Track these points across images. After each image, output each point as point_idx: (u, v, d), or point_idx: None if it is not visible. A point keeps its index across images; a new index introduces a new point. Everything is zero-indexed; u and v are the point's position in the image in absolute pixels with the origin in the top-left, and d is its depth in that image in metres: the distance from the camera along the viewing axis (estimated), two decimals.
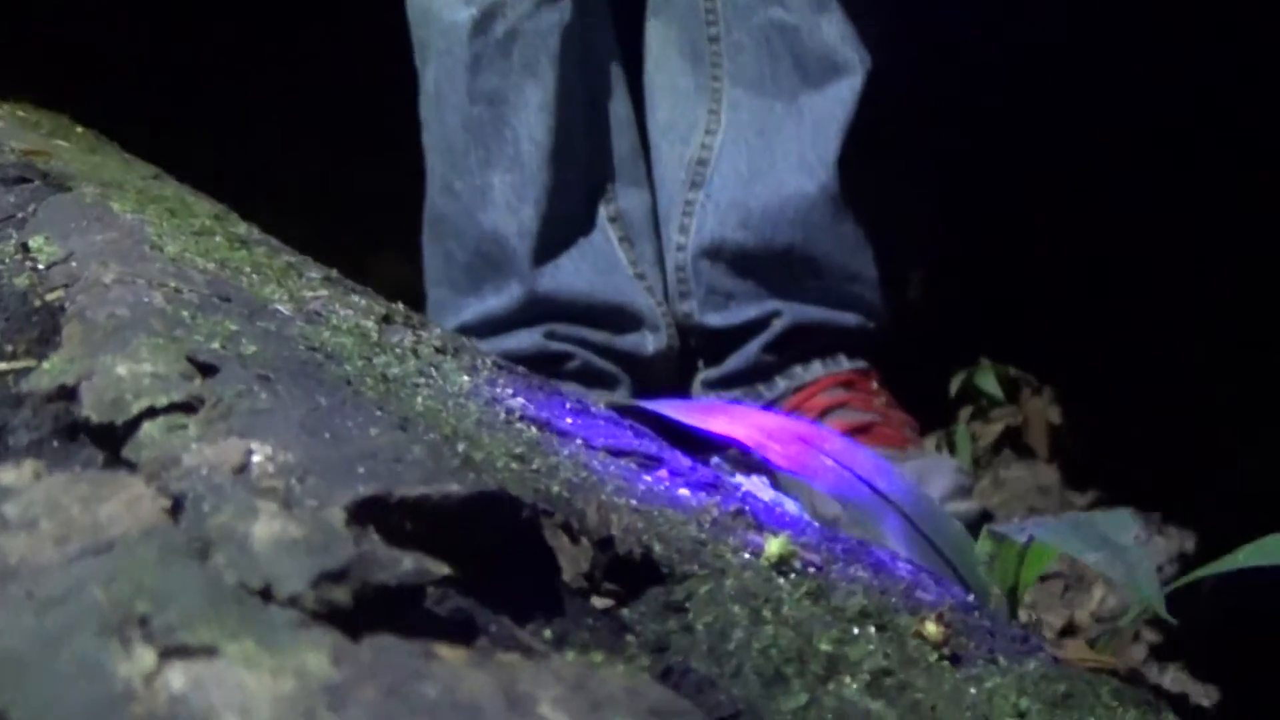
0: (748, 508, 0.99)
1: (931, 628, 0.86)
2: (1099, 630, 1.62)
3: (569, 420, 1.11)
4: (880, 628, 0.86)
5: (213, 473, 0.67)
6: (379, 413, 0.85)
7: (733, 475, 1.17)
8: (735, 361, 1.98)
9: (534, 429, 1.03)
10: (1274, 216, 2.03)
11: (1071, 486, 1.96)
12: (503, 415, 1.03)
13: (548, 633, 0.71)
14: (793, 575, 0.89)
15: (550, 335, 1.95)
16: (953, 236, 2.17)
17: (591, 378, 1.96)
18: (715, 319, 1.97)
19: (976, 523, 1.87)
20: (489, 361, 1.21)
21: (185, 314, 0.91)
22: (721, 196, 1.94)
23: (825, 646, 0.80)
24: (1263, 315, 2.05)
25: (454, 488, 0.69)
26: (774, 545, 0.89)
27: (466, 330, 1.94)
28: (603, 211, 1.98)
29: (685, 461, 1.12)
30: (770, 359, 1.97)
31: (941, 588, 1.00)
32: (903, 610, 0.90)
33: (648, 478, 1.03)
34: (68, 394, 0.77)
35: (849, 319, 1.97)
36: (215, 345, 0.86)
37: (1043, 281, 2.12)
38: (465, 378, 1.11)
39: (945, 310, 2.14)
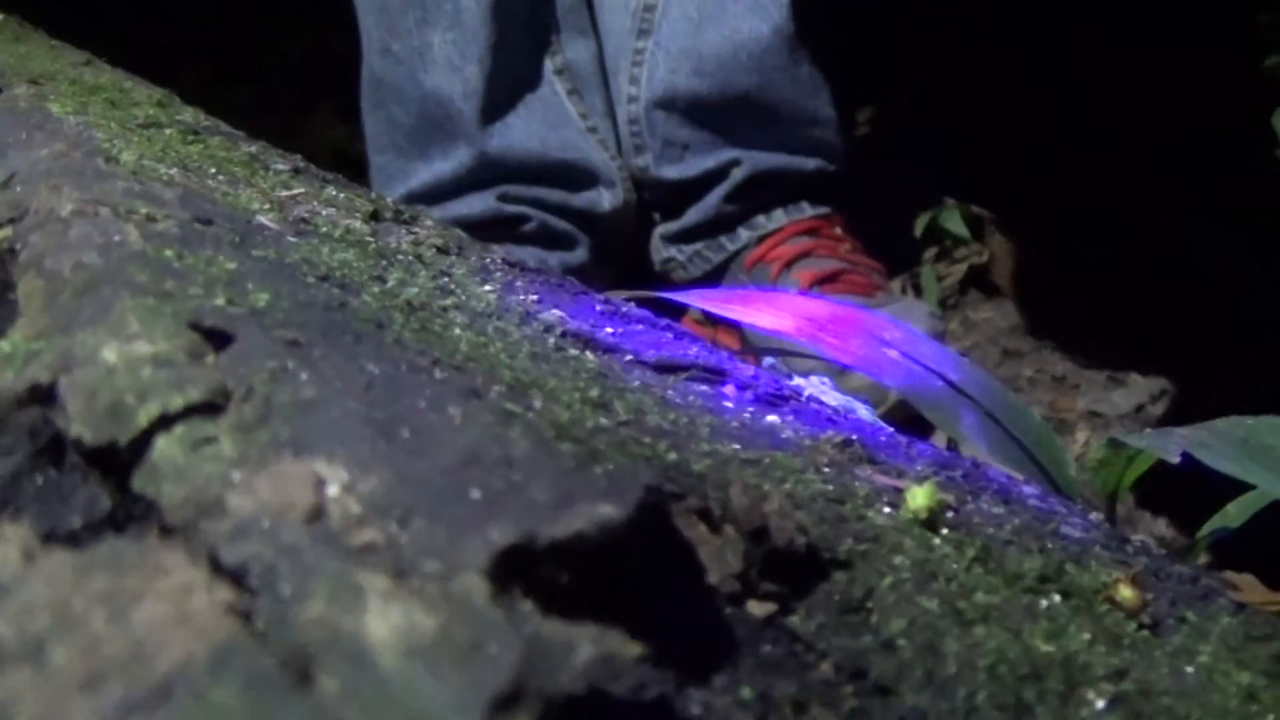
0: (855, 437, 0.76)
1: (1127, 593, 0.65)
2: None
3: (609, 329, 0.88)
4: (1064, 594, 0.65)
5: (278, 524, 0.43)
6: (439, 372, 0.62)
7: (791, 378, 0.94)
8: (695, 214, 1.75)
9: (587, 352, 0.80)
10: (1230, 40, 1.82)
11: (1041, 324, 1.76)
12: (548, 337, 0.80)
13: (746, 692, 0.48)
14: (946, 532, 0.67)
15: (503, 198, 1.70)
16: (913, 75, 1.94)
17: (549, 239, 1.72)
18: (672, 171, 1.74)
19: None
20: (497, 259, 0.97)
21: (169, 254, 0.66)
22: (672, 43, 1.69)
23: (1043, 645, 0.58)
24: (1221, 141, 1.85)
25: (607, 511, 0.46)
26: (920, 497, 0.67)
27: (415, 198, 1.69)
28: (548, 65, 1.72)
29: (746, 369, 0.89)
30: (731, 209, 1.74)
31: (1072, 512, 0.78)
32: (1067, 560, 0.68)
33: (729, 403, 0.80)
34: (43, 396, 0.52)
35: (809, 164, 1.75)
36: (219, 299, 0.61)
37: (1004, 119, 1.89)
38: (486, 287, 0.87)
39: (907, 151, 1.91)
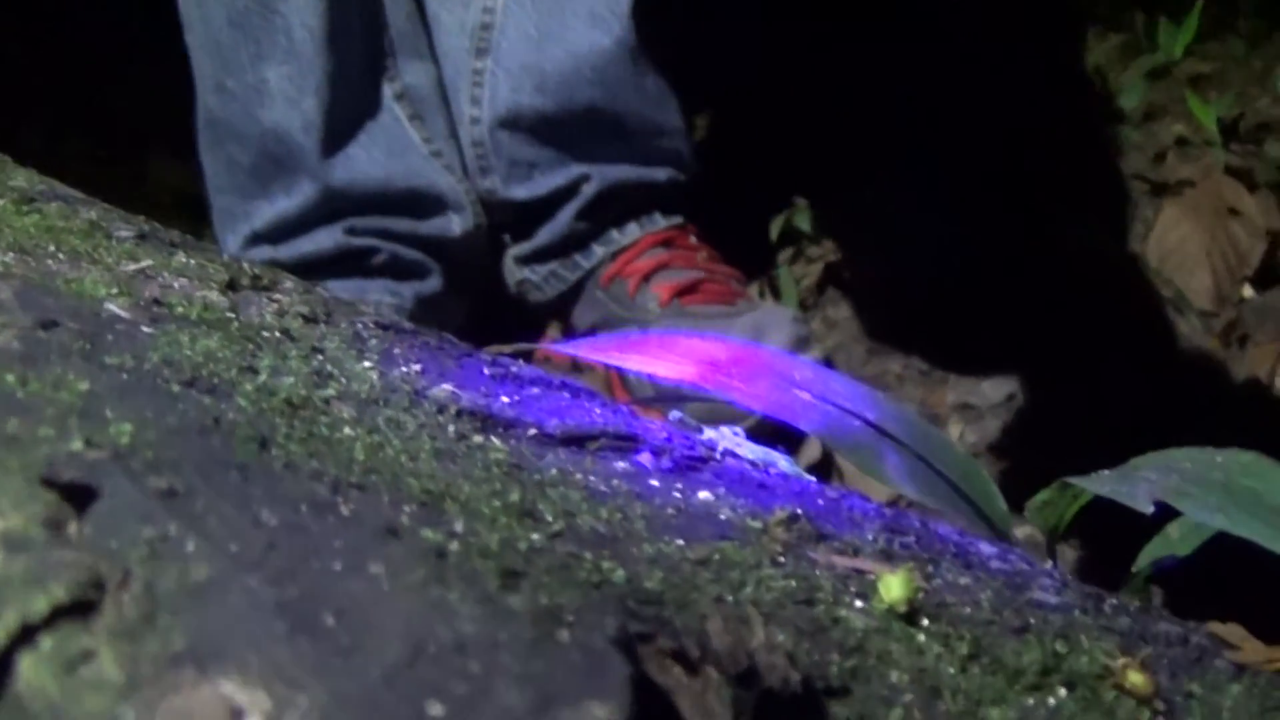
0: (799, 510, 0.66)
1: (1137, 679, 0.56)
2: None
3: (504, 398, 0.77)
4: (1069, 686, 0.56)
5: None
6: (344, 505, 0.50)
7: (701, 431, 0.84)
8: (547, 233, 1.64)
9: (491, 436, 0.69)
10: None
11: (903, 320, 1.67)
12: (445, 423, 0.69)
13: None
14: (928, 624, 0.57)
15: (351, 231, 1.58)
16: (763, 74, 1.84)
17: (400, 270, 1.60)
18: (520, 191, 1.62)
19: None
20: (368, 322, 0.85)
21: (11, 380, 0.54)
22: (511, 62, 1.58)
23: None
24: (1069, 128, 1.78)
25: (598, 716, 0.35)
26: (895, 588, 0.57)
27: (260, 237, 1.56)
28: (387, 91, 1.59)
29: (658, 430, 0.79)
30: (584, 226, 1.64)
31: (1035, 571, 0.69)
32: (1056, 637, 0.59)
33: (654, 481, 0.69)
34: None
35: (660, 174, 1.64)
36: (75, 440, 0.49)
37: (853, 116, 1.81)
38: (365, 363, 0.76)
39: (754, 153, 1.82)
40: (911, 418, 0.87)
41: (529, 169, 1.62)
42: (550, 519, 0.58)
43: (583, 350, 0.92)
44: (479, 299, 1.67)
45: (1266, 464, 0.66)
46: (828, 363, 1.59)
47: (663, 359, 0.88)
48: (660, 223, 1.65)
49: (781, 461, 0.82)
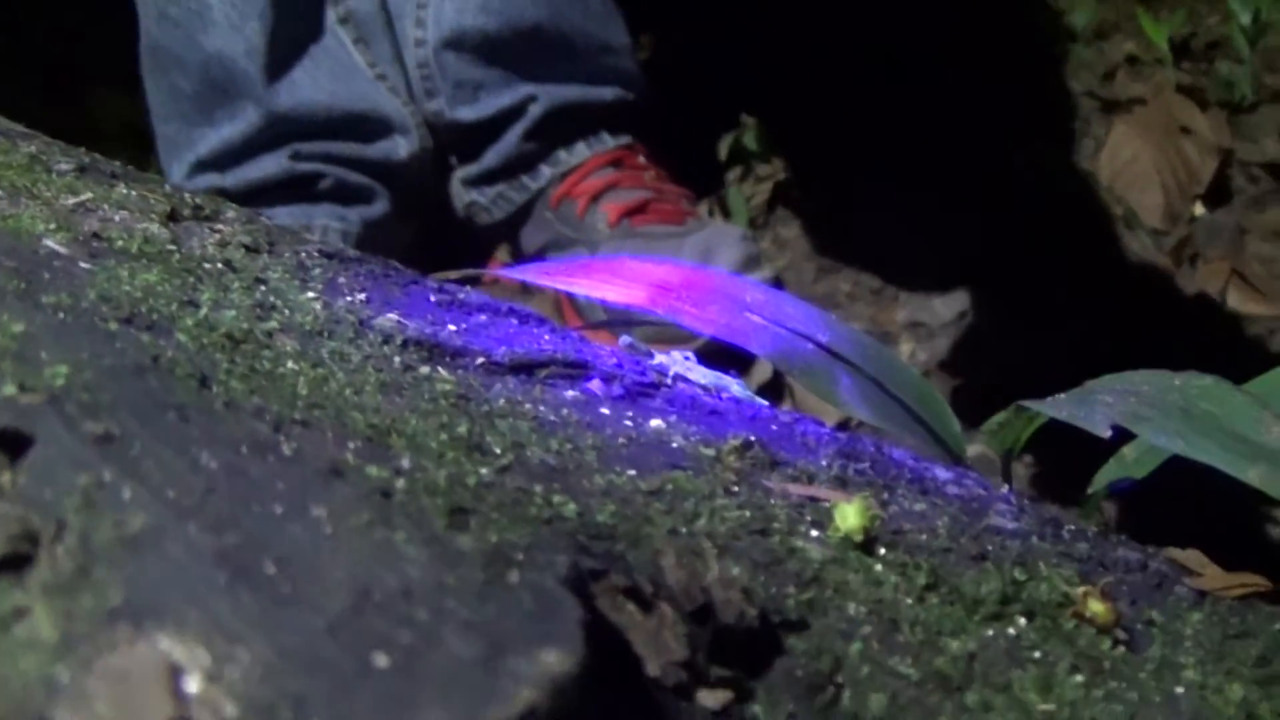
0: (753, 438, 0.65)
1: (1098, 607, 0.55)
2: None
3: (451, 326, 0.75)
4: (1029, 615, 0.55)
5: None
6: (286, 444, 0.48)
7: (652, 356, 0.82)
8: (494, 155, 1.61)
9: (438, 367, 0.67)
10: None
11: (853, 238, 1.66)
12: (391, 354, 0.67)
13: None
14: (884, 553, 0.56)
15: (296, 156, 1.54)
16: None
17: (347, 195, 1.57)
18: (467, 112, 1.59)
19: None
20: (312, 251, 0.83)
21: None
22: None
23: (1041, 702, 0.47)
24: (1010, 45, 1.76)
25: (551, 664, 0.34)
26: (851, 516, 0.56)
27: (205, 165, 1.53)
28: (331, 14, 1.56)
29: (608, 356, 0.77)
30: (531, 146, 1.61)
31: (992, 496, 0.68)
32: (1014, 565, 0.58)
33: (604, 409, 0.68)
34: None
35: (607, 93, 1.61)
36: (8, 385, 0.47)
37: (798, 31, 1.78)
38: (309, 293, 0.74)
39: (701, 71, 1.79)
40: (864, 339, 0.85)
41: (475, 90, 1.59)
42: (499, 451, 0.56)
43: (531, 275, 0.90)
44: (427, 223, 1.65)
45: (1225, 388, 0.65)
46: (778, 282, 1.57)
47: (612, 283, 0.86)
48: (608, 142, 1.62)
49: (734, 385, 0.80)
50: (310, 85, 1.53)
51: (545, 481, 0.54)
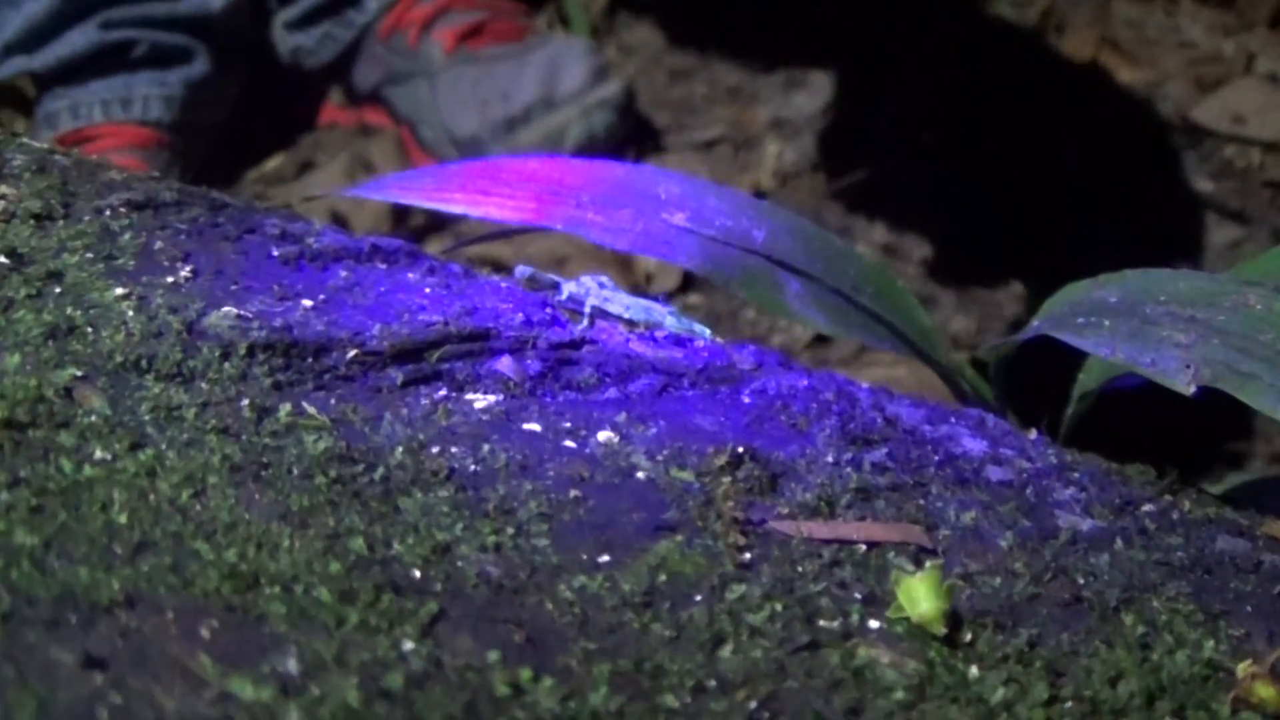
0: (740, 449, 0.44)
1: (1267, 692, 0.36)
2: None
3: (306, 301, 0.54)
4: (1179, 714, 0.36)
5: None
6: (109, 696, 0.27)
7: (560, 288, 0.60)
8: None
9: (304, 402, 0.46)
10: None
11: (702, 35, 1.43)
12: (235, 382, 0.45)
13: None
14: (973, 642, 0.37)
15: (106, 25, 1.28)
16: None
17: (164, 58, 1.31)
18: None
19: (623, 104, 1.35)
20: (116, 204, 0.60)
21: None
22: None
23: None
24: None
25: None
26: (924, 599, 0.36)
27: (12, 49, 1.26)
28: None
29: (509, 309, 0.56)
30: None
31: (1030, 455, 0.49)
32: (1122, 608, 0.39)
33: (534, 425, 0.47)
34: None
35: None
36: None
37: None
38: (118, 290, 0.52)
39: None
40: (806, 228, 0.65)
41: None
42: (419, 577, 0.35)
43: (393, 192, 0.68)
44: (252, 75, 1.39)
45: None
46: (629, 94, 1.35)
47: (494, 194, 0.64)
48: None
49: (668, 319, 0.59)
50: None
51: (500, 638, 0.33)
